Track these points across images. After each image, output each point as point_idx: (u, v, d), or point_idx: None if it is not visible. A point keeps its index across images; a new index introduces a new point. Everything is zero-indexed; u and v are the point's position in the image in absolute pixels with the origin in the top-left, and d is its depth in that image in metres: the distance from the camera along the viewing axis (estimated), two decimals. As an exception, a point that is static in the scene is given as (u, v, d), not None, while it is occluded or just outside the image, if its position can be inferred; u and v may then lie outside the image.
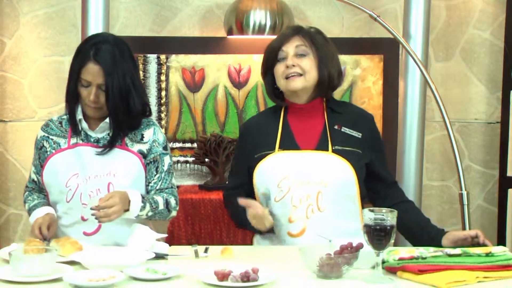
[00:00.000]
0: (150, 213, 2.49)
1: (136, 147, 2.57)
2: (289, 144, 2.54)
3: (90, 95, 2.49)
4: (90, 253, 2.24)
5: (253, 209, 2.43)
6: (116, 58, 2.48)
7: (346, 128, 2.56)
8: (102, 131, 2.56)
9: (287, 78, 2.53)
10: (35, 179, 2.63)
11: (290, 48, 2.53)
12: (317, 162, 2.50)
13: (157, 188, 2.57)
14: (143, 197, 2.47)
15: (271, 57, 2.57)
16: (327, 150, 2.51)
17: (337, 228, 2.47)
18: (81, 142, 2.56)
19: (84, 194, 2.50)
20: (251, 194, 2.61)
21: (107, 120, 2.54)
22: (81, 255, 2.20)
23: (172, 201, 2.56)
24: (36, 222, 2.44)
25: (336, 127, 2.56)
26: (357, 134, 2.56)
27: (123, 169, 2.53)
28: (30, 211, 2.59)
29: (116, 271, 2.03)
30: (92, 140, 2.56)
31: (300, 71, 2.51)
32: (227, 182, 2.78)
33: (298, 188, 2.49)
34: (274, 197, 2.51)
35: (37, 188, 2.64)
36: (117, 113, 2.50)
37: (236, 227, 2.80)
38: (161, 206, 2.52)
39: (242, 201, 2.46)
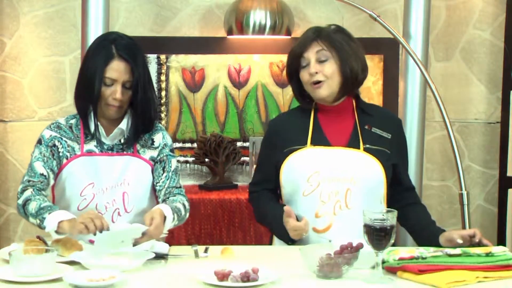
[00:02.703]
0: (176, 222, 2.48)
1: (148, 154, 2.58)
2: (321, 140, 2.55)
3: (116, 93, 2.45)
4: (90, 253, 2.24)
5: (294, 221, 2.43)
6: (137, 53, 2.49)
7: (376, 129, 2.57)
8: (114, 138, 2.55)
9: (311, 85, 2.54)
10: (45, 173, 2.50)
11: (311, 54, 2.53)
12: (348, 159, 2.51)
13: (166, 186, 2.56)
14: (171, 208, 2.44)
15: (294, 63, 2.58)
16: (358, 148, 2.52)
17: (361, 227, 2.46)
18: (95, 149, 2.53)
19: (100, 204, 2.50)
20: (276, 189, 2.61)
21: (121, 126, 2.53)
22: (81, 255, 2.20)
23: (186, 203, 2.56)
24: (84, 217, 2.24)
25: (366, 127, 2.57)
26: (387, 135, 2.57)
27: (136, 178, 2.54)
28: (42, 211, 2.36)
29: (116, 271, 2.03)
30: (106, 147, 2.55)
31: (322, 78, 2.52)
32: (252, 177, 2.78)
33: (328, 183, 2.49)
34: (303, 191, 2.51)
35: (45, 183, 2.50)
36: (143, 109, 2.50)
37: (257, 221, 2.77)
38: (183, 212, 2.51)
39: (287, 209, 2.46)
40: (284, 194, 2.59)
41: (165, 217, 2.38)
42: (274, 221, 2.53)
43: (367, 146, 2.53)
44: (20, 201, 2.46)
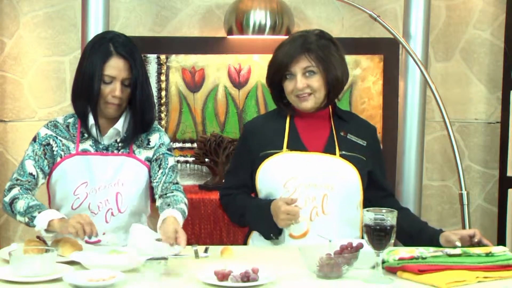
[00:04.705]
0: (182, 222, 2.44)
1: (144, 154, 2.57)
2: (297, 145, 2.54)
3: (115, 91, 2.46)
4: (90, 253, 2.24)
5: (286, 205, 2.41)
6: (134, 51, 2.50)
7: (351, 135, 2.57)
8: (110, 138, 2.55)
9: (297, 97, 2.52)
10: (34, 172, 2.51)
11: (298, 68, 2.51)
12: (325, 165, 2.50)
13: (162, 182, 2.55)
14: (180, 213, 2.43)
15: (278, 73, 2.55)
16: (335, 154, 2.52)
17: (338, 233, 2.46)
18: (90, 149, 2.54)
19: (93, 204, 2.51)
20: (250, 194, 2.61)
21: (116, 126, 2.53)
22: (81, 255, 2.20)
23: (186, 201, 2.55)
24: (76, 219, 2.28)
25: (342, 133, 2.57)
26: (362, 142, 2.57)
27: (130, 178, 2.54)
28: (31, 209, 2.38)
29: (116, 271, 2.03)
30: (101, 147, 2.55)
31: (309, 91, 2.51)
32: (223, 181, 2.77)
33: (305, 189, 2.49)
34: (279, 196, 2.50)
35: (33, 183, 2.51)
36: (142, 106, 2.50)
37: (237, 226, 2.77)
38: (186, 212, 2.49)
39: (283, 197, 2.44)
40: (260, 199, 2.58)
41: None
42: (257, 212, 2.50)
43: (343, 152, 2.52)
44: (7, 199, 2.47)
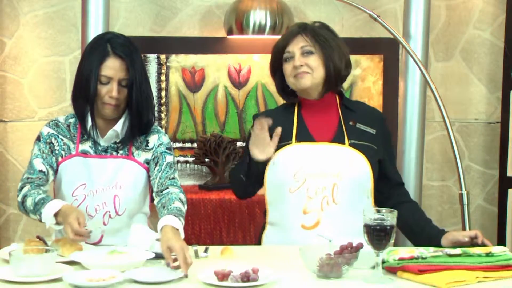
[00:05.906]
0: (183, 221, 2.39)
1: (143, 156, 2.56)
2: (305, 136, 2.56)
3: (112, 91, 2.44)
4: (90, 253, 2.24)
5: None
6: (133, 52, 2.49)
7: (360, 124, 2.59)
8: (109, 140, 2.55)
9: (295, 76, 2.55)
10: (43, 169, 2.49)
11: (296, 48, 2.56)
12: (333, 155, 2.52)
13: (158, 178, 2.52)
14: (175, 215, 2.35)
15: (278, 57, 2.61)
16: (344, 143, 2.53)
17: (351, 222, 2.46)
18: (90, 150, 2.53)
19: (90, 206, 2.50)
20: (259, 183, 2.61)
21: (115, 127, 2.52)
22: (81, 255, 2.20)
23: (182, 196, 2.49)
24: (72, 215, 2.26)
25: (350, 123, 2.59)
26: (372, 131, 2.58)
27: (129, 181, 2.52)
28: (38, 206, 2.36)
29: (116, 271, 2.03)
30: (100, 149, 2.55)
31: (308, 70, 2.54)
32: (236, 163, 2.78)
33: (314, 179, 2.49)
34: (289, 188, 2.51)
35: (44, 179, 2.50)
36: (139, 107, 2.49)
37: (240, 198, 2.75)
38: (183, 209, 2.44)
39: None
40: (268, 192, 2.58)
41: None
42: (243, 162, 2.56)
43: (353, 141, 2.54)
44: (19, 198, 2.47)
